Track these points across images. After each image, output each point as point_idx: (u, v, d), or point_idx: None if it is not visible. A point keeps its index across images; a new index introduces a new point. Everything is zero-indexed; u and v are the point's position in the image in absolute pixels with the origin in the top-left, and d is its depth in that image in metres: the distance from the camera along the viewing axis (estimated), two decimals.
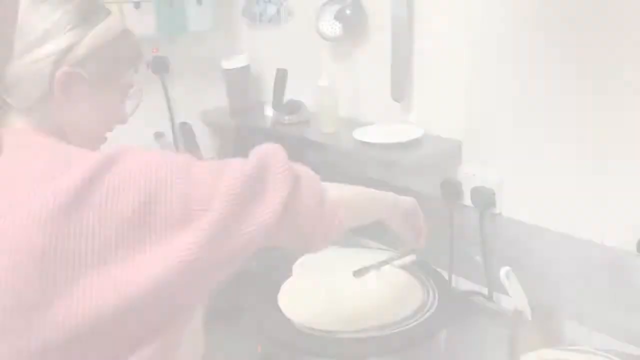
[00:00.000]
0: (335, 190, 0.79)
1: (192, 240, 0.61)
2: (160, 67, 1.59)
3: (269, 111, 1.54)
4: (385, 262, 1.10)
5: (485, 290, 1.26)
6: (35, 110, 0.75)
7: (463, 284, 1.32)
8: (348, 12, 1.37)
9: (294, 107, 1.50)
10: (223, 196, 0.63)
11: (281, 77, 1.38)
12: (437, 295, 1.07)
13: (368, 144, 1.26)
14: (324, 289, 1.08)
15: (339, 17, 1.38)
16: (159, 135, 1.63)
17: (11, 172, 0.66)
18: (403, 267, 1.12)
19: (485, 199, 1.21)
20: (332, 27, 1.40)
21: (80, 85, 0.77)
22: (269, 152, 0.70)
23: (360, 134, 1.28)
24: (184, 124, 1.63)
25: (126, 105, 0.86)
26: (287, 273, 1.14)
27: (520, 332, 0.98)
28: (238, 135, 1.46)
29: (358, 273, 1.07)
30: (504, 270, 0.98)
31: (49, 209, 0.59)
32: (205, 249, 0.62)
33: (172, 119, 1.64)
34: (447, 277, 1.30)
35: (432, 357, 1.00)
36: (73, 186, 0.60)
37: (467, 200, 1.25)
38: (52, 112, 0.77)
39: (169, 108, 1.64)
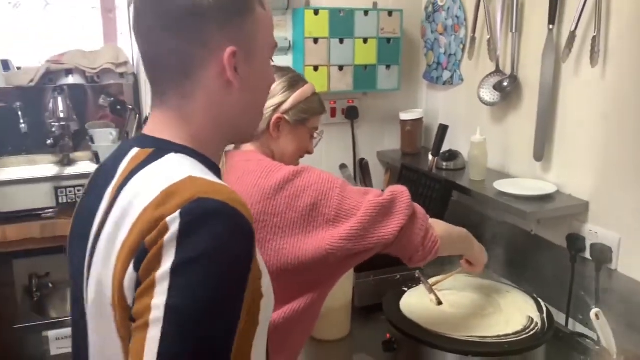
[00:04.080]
0: (439, 227, 1.13)
1: (339, 235, 0.99)
2: (352, 114, 2.04)
3: (431, 157, 1.88)
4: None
5: (595, 336, 1.41)
6: (258, 140, 1.20)
7: (579, 328, 1.48)
8: (505, 84, 1.65)
9: (453, 156, 1.81)
10: (364, 211, 1.00)
11: (441, 131, 1.71)
12: (538, 325, 1.28)
13: (506, 194, 1.51)
14: (446, 302, 1.37)
15: (497, 87, 1.67)
16: (343, 166, 2.07)
17: (242, 172, 1.09)
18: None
19: (602, 255, 1.38)
20: (491, 94, 1.69)
21: (284, 126, 1.21)
22: (399, 191, 1.06)
23: (500, 185, 1.55)
24: (362, 159, 2.04)
25: (313, 141, 1.30)
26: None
27: None
28: (402, 173, 1.82)
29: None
30: (594, 311, 1.17)
31: (261, 195, 1.02)
32: (345, 242, 0.99)
33: (354, 155, 2.08)
34: (563, 319, 1.49)
35: None
36: (275, 184, 1.02)
37: (588, 254, 1.43)
38: (267, 141, 1.21)
39: (354, 146, 2.07)
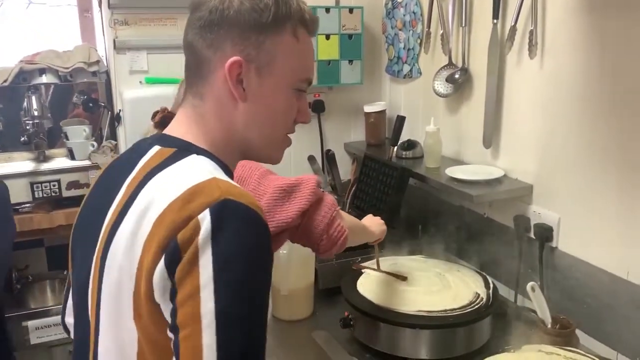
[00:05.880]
0: (347, 219, 1.15)
1: None
2: (318, 107, 2.13)
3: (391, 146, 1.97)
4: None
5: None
6: None
7: (527, 303, 1.58)
8: (457, 76, 1.74)
9: (412, 145, 1.90)
10: (269, 194, 1.06)
11: (399, 122, 1.80)
12: (483, 300, 1.38)
13: (456, 179, 1.61)
14: (398, 282, 1.46)
15: (449, 79, 1.76)
16: (311, 159, 2.15)
17: None
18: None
19: (544, 234, 1.48)
20: (444, 86, 1.79)
21: None
22: (305, 178, 1.09)
23: (451, 171, 1.64)
24: (328, 150, 2.13)
25: None
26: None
27: (538, 332, 1.26)
28: (364, 163, 1.91)
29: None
30: (530, 284, 1.27)
31: None
32: None
33: (322, 147, 2.16)
34: (513, 295, 1.60)
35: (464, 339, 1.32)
36: None
37: (533, 234, 1.53)
38: None
39: (321, 138, 2.16)
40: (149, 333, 0.69)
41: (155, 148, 0.79)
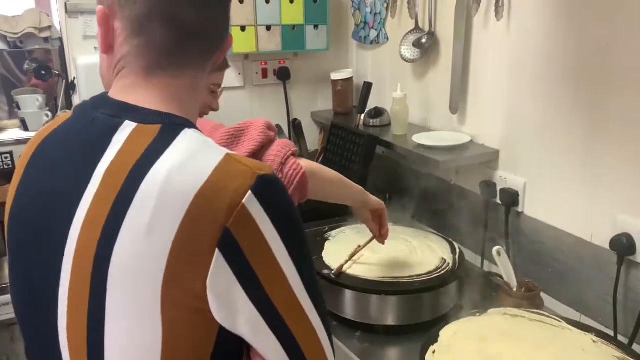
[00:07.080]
0: (310, 163, 1.08)
1: None
2: (283, 75, 2.07)
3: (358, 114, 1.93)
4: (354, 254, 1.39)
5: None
6: None
7: (493, 269, 1.58)
8: (424, 40, 1.71)
9: (379, 112, 1.87)
10: (216, 143, 1.02)
11: (366, 89, 1.76)
12: (450, 265, 1.37)
13: (423, 145, 1.59)
14: (366, 248, 1.44)
15: (416, 44, 1.72)
16: (277, 128, 2.10)
17: None
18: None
19: (510, 199, 1.48)
20: (411, 51, 1.75)
21: None
22: (255, 121, 1.05)
23: (418, 138, 1.62)
24: (294, 120, 2.09)
25: (215, 96, 1.30)
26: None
27: (504, 296, 1.26)
28: (331, 132, 1.87)
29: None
30: (495, 249, 1.26)
31: None
32: None
33: (288, 116, 2.11)
34: (478, 260, 1.60)
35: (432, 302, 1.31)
36: None
37: (499, 199, 1.52)
38: None
39: (287, 108, 2.11)
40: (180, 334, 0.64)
41: (130, 125, 0.67)
